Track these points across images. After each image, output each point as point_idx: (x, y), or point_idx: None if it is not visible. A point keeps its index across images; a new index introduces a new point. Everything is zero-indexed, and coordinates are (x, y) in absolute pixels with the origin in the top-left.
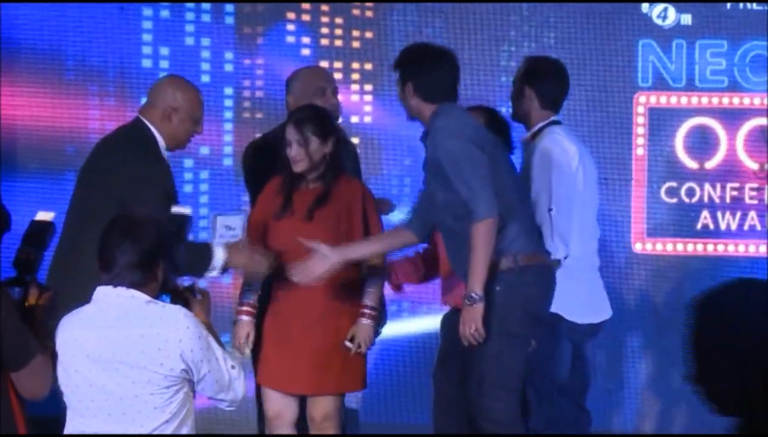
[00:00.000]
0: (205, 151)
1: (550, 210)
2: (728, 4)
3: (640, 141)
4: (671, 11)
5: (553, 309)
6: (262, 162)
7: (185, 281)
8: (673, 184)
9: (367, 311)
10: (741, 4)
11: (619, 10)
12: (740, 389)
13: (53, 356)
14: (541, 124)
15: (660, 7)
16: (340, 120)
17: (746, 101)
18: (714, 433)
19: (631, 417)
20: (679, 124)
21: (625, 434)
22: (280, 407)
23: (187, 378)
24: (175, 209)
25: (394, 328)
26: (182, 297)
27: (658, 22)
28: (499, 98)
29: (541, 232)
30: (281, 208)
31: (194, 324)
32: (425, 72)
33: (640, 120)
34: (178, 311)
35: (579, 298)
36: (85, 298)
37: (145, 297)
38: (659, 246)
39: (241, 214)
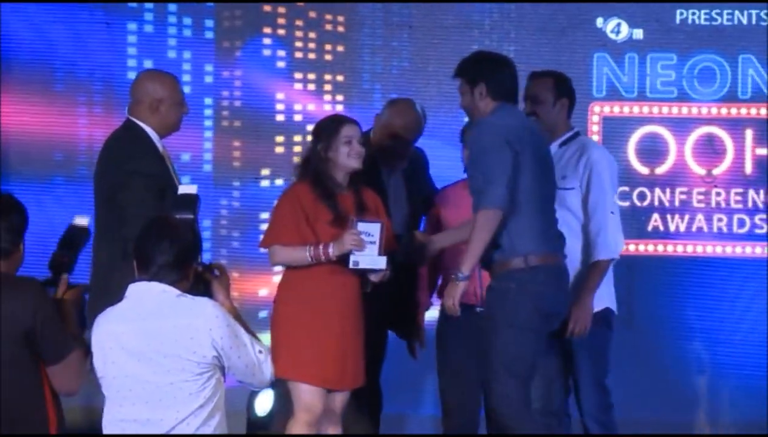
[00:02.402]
0: (186, 157)
1: (612, 212)
2: (677, 20)
3: None
4: (624, 26)
5: (606, 303)
6: None
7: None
8: (626, 188)
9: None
10: (689, 20)
11: (575, 25)
12: None
13: (87, 352)
14: (570, 133)
15: (613, 22)
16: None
17: (694, 111)
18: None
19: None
20: (631, 132)
21: (628, 434)
22: (318, 401)
23: (218, 364)
24: (183, 188)
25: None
26: (203, 279)
27: (612, 36)
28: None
29: (560, 234)
30: (333, 212)
31: (222, 314)
32: (498, 71)
33: (595, 128)
34: (207, 302)
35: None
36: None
37: (176, 291)
38: None
39: (378, 222)
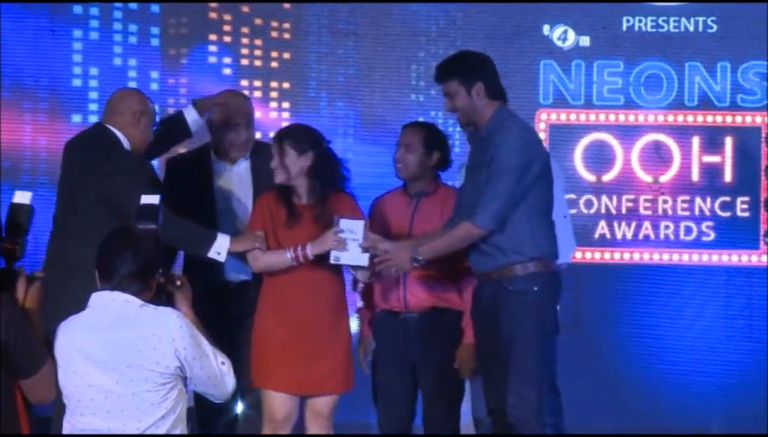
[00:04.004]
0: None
1: (564, 216)
2: (624, 27)
3: None
4: (571, 33)
5: None
6: (182, 177)
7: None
8: (572, 196)
9: None
10: (636, 27)
11: (522, 33)
12: None
13: (53, 361)
14: None
15: (560, 29)
16: (259, 135)
17: (641, 118)
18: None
19: None
20: (578, 139)
21: (630, 434)
22: (289, 409)
23: (181, 375)
24: (145, 199)
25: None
26: (165, 291)
27: (559, 43)
28: (410, 115)
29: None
30: (289, 217)
31: (186, 324)
32: (493, 72)
33: (542, 136)
34: (170, 312)
35: None
36: (82, 297)
37: (139, 300)
38: None
39: (362, 220)
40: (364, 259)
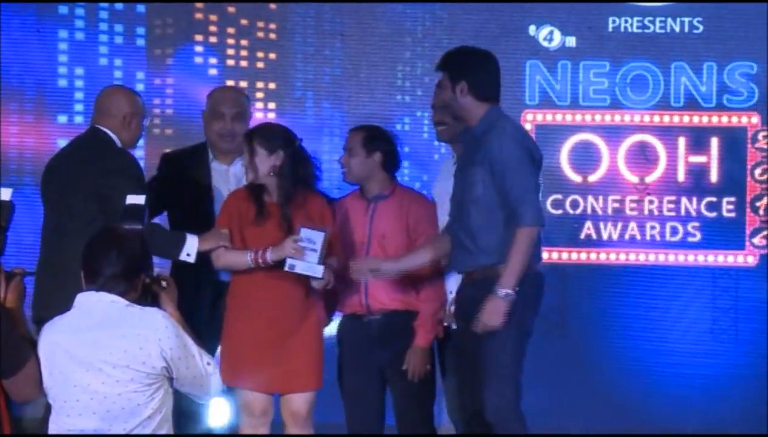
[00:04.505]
0: None
1: None
2: (610, 27)
3: None
4: (557, 34)
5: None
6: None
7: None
8: (559, 196)
9: None
10: (622, 27)
11: (508, 33)
12: None
13: (37, 360)
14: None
15: (546, 30)
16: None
17: (627, 118)
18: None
19: None
20: (564, 140)
21: (616, 434)
22: (264, 405)
23: (167, 375)
24: (131, 199)
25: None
26: (151, 291)
27: (545, 44)
28: (396, 116)
29: None
30: (257, 215)
31: (172, 324)
32: (479, 71)
33: None
34: (156, 312)
35: None
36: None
37: (124, 301)
38: (545, 255)
39: (323, 231)
40: (319, 270)
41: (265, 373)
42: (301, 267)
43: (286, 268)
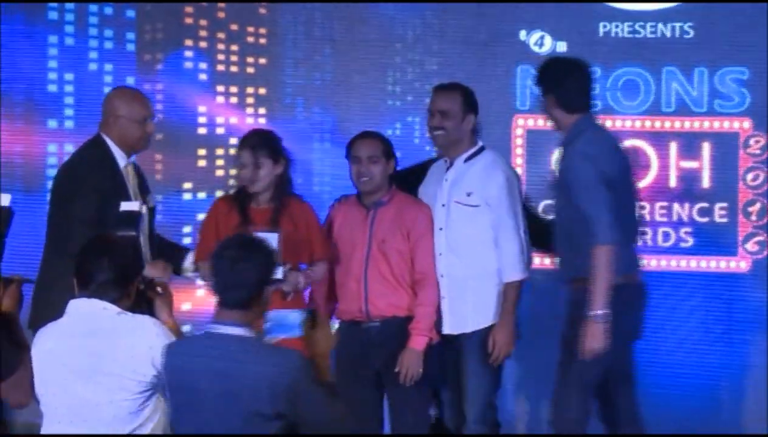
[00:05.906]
0: None
1: (524, 232)
2: (601, 33)
3: (519, 161)
4: (547, 39)
5: (494, 320)
6: None
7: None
8: (550, 202)
9: None
10: (613, 32)
11: (498, 38)
12: None
13: (30, 365)
14: (475, 148)
15: (537, 35)
16: (234, 140)
17: (618, 124)
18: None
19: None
20: (555, 145)
21: (631, 434)
22: None
23: (158, 384)
24: (125, 205)
25: None
26: (146, 297)
27: (535, 49)
28: (387, 121)
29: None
30: (241, 223)
31: (163, 332)
32: (561, 84)
33: (519, 141)
34: (147, 320)
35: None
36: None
37: (117, 308)
38: (537, 260)
39: (275, 233)
40: (278, 272)
41: None
42: None
43: None
